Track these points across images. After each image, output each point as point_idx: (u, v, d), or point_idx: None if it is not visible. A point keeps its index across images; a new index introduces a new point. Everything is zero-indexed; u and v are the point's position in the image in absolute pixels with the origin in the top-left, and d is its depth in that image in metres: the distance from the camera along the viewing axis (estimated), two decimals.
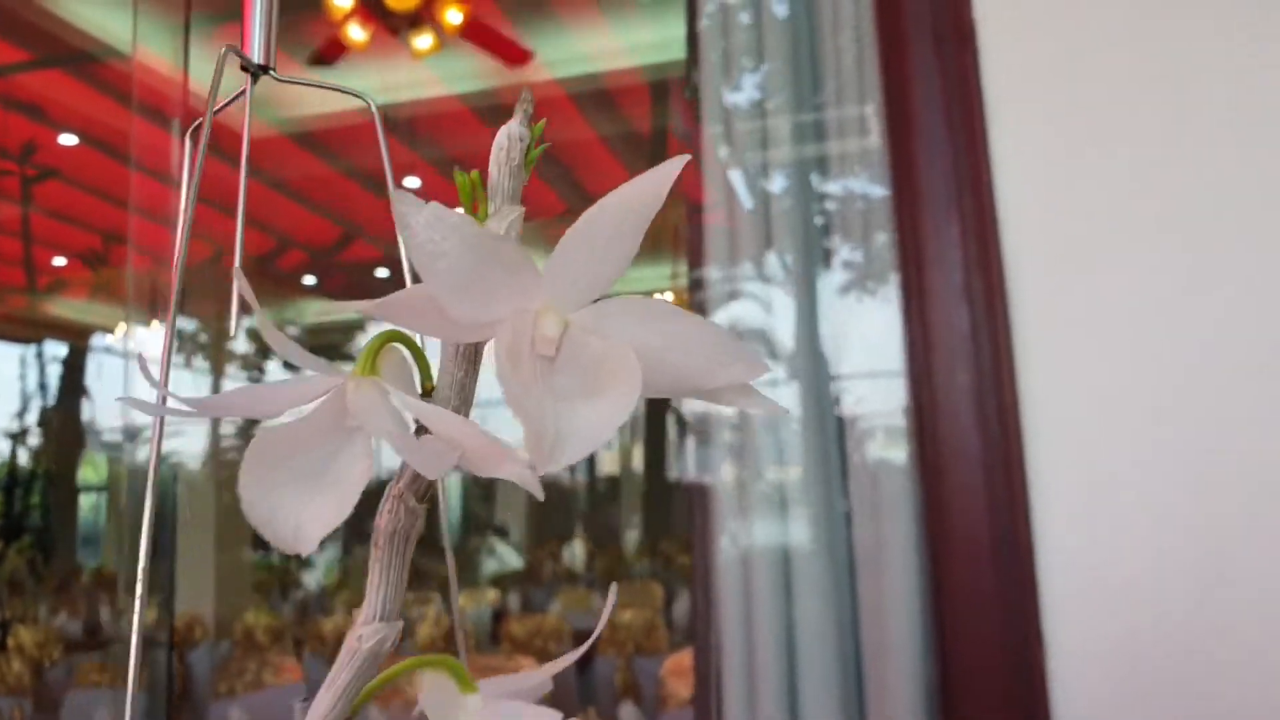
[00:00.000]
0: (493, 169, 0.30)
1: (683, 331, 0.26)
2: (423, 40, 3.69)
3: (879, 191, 1.37)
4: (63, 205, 5.46)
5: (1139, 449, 1.07)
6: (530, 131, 0.30)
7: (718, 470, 1.44)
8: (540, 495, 0.26)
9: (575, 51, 4.31)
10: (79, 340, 7.61)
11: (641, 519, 8.40)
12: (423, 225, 0.24)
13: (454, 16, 3.57)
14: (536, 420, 0.24)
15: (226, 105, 0.46)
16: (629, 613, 5.22)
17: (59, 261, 6.35)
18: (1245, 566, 1.02)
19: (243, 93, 0.45)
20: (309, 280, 6.96)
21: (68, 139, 4.79)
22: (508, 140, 0.30)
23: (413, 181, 5.51)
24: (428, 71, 4.40)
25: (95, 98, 4.34)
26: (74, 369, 7.75)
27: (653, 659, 4.46)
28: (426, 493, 0.28)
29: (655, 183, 0.24)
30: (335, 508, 0.26)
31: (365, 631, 0.29)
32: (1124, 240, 1.09)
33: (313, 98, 4.72)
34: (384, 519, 0.28)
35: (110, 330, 7.02)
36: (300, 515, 0.26)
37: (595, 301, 0.26)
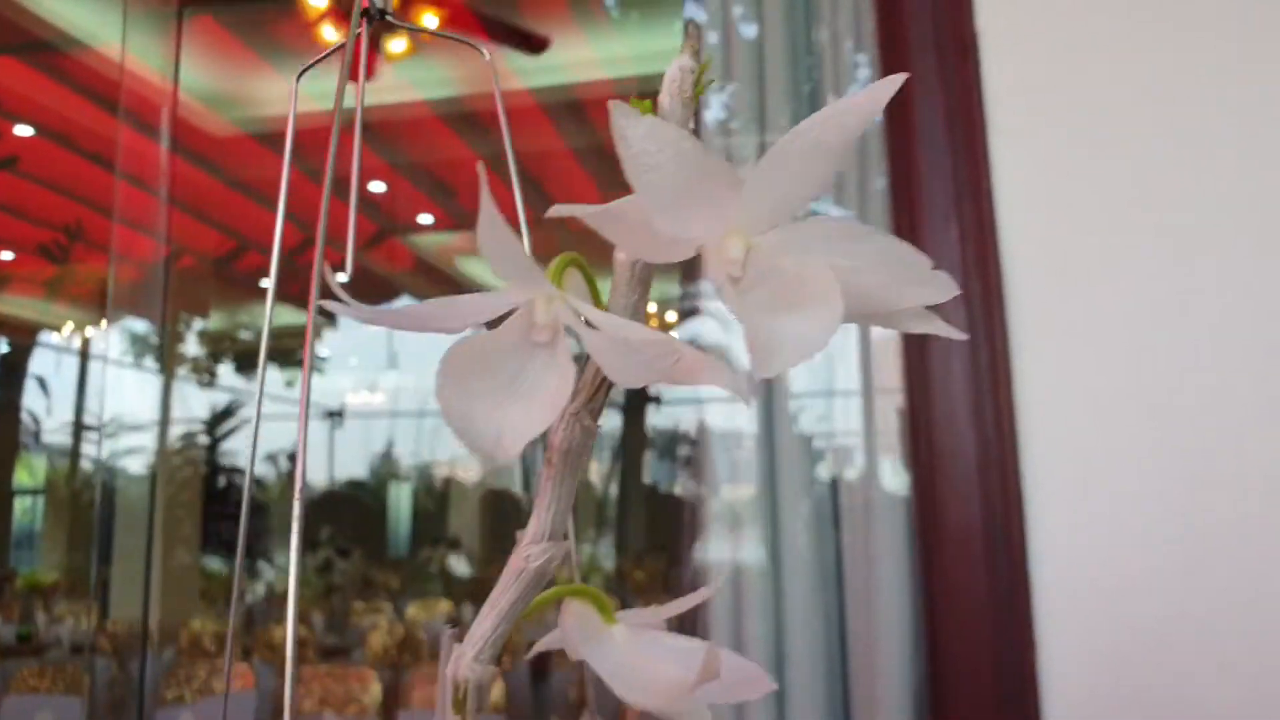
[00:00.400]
0: (664, 99, 0.30)
1: (874, 251, 0.25)
2: (397, 44, 3.66)
3: (837, 214, 1.39)
4: (8, 198, 5.31)
5: (1133, 452, 1.08)
6: (698, 64, 0.29)
7: (706, 482, 1.43)
8: (749, 403, 0.25)
9: (548, 62, 4.31)
10: (20, 338, 7.40)
11: (595, 532, 8.36)
12: (640, 137, 0.24)
13: (430, 20, 3.55)
14: (751, 329, 0.23)
15: (339, 48, 0.44)
16: None
17: (4, 255, 6.17)
18: (1236, 569, 1.03)
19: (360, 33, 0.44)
20: (267, 283, 6.84)
21: (22, 129, 4.67)
22: (679, 73, 0.29)
23: (378, 186, 5.45)
24: (395, 76, 4.36)
25: (47, 86, 4.23)
26: (12, 367, 7.53)
27: None
28: (600, 412, 0.27)
29: (866, 101, 0.23)
30: (532, 419, 0.25)
31: (534, 550, 0.27)
32: (1120, 247, 1.11)
33: (278, 98, 4.64)
34: (558, 436, 0.27)
35: (57, 329, 6.84)
36: (500, 425, 0.25)
37: (792, 222, 0.25)
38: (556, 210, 0.23)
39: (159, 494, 4.68)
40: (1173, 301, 1.09)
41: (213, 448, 7.44)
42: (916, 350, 1.20)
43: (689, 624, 1.37)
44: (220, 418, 7.48)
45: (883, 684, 1.23)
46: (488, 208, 0.24)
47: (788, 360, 0.23)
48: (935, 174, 1.16)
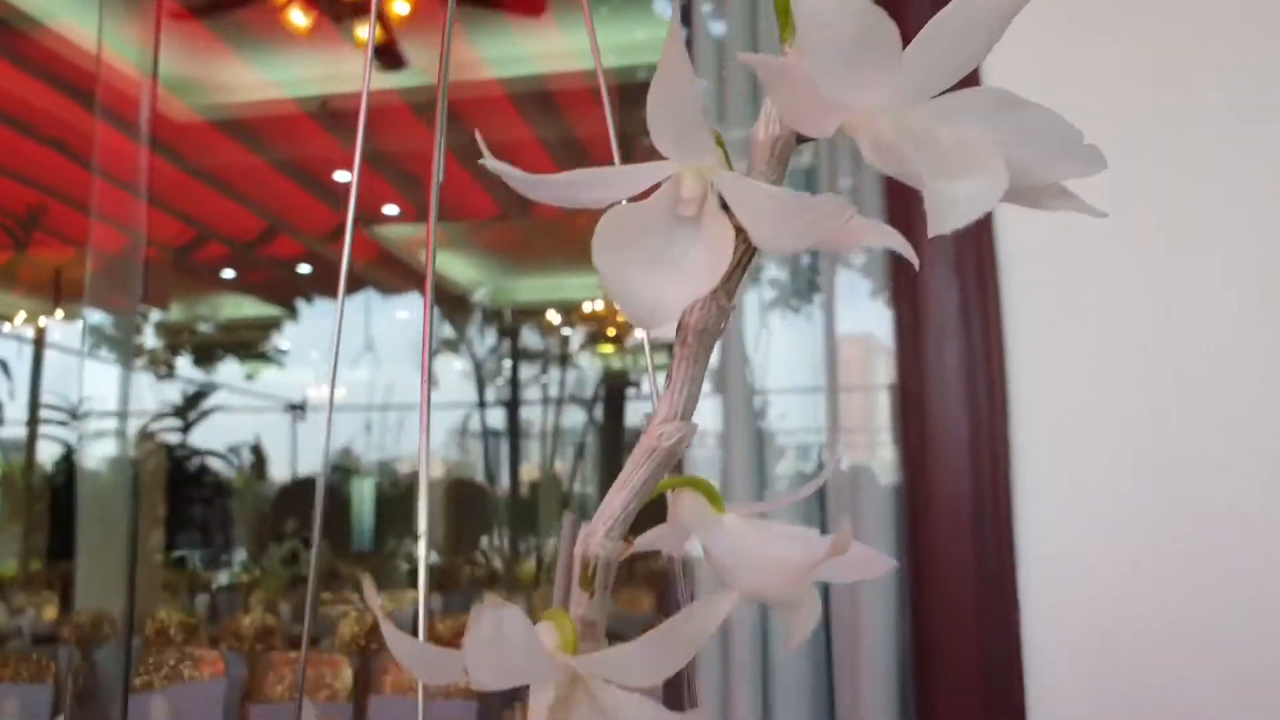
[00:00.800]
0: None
1: (1027, 122, 0.25)
2: (365, 30, 3.61)
3: None
4: None
5: (1124, 437, 1.10)
6: None
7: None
8: (917, 265, 0.25)
9: (518, 52, 4.28)
10: None
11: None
12: None
13: (400, 8, 3.51)
14: (926, 186, 0.24)
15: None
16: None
17: None
18: (1227, 554, 1.06)
19: None
20: (228, 274, 6.74)
21: None
22: None
23: (342, 175, 5.38)
24: (360, 65, 4.30)
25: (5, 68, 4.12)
26: None
27: None
28: (735, 291, 0.27)
29: None
30: (680, 292, 0.25)
31: (666, 429, 0.27)
32: (1115, 230, 1.13)
33: (242, 84, 4.56)
34: (694, 315, 0.27)
35: (9, 319, 6.66)
36: (653, 295, 0.25)
37: (945, 92, 0.25)
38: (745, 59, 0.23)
39: (129, 484, 4.58)
40: (1167, 286, 1.11)
41: (185, 430, 7.30)
42: (906, 328, 1.21)
43: (666, 607, 1.37)
44: (191, 403, 7.35)
45: (867, 669, 1.24)
46: (674, 49, 0.23)
47: (962, 217, 0.24)
48: None
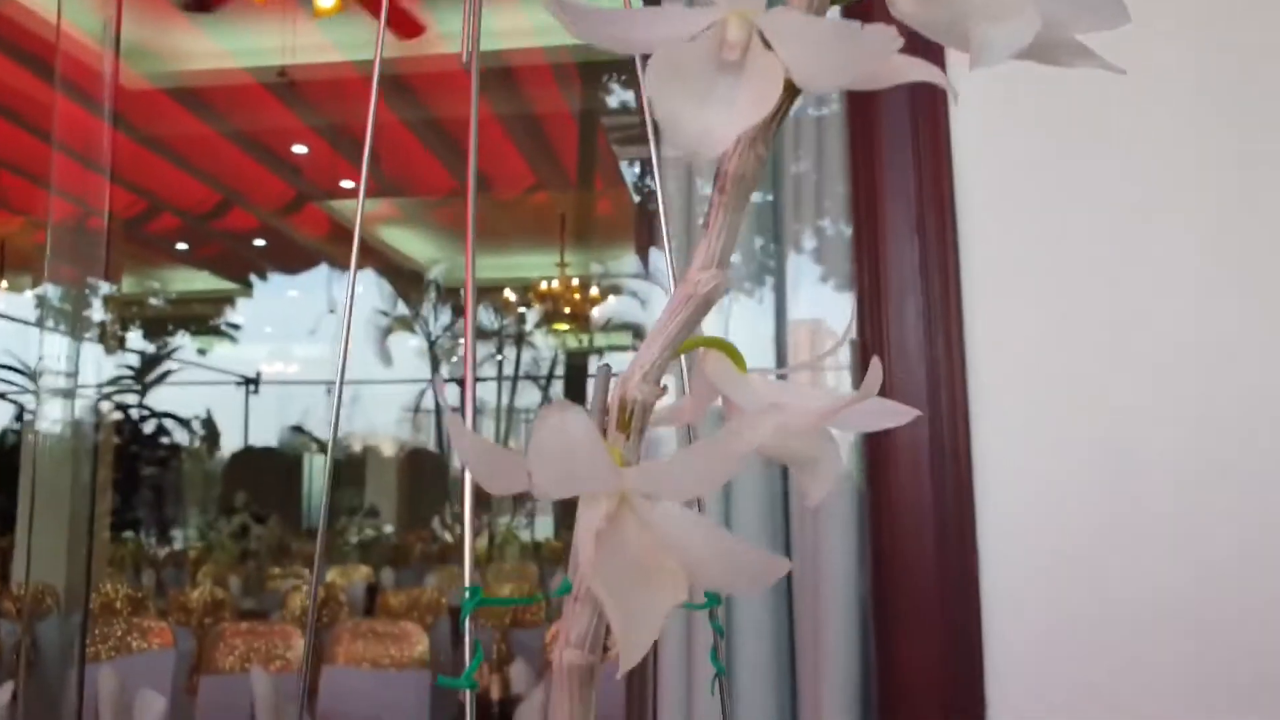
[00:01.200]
0: None
1: None
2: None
3: (759, 197, 1.42)
4: None
5: (1077, 389, 1.13)
6: None
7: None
8: (956, 100, 0.26)
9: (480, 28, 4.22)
10: None
11: (512, 502, 8.32)
12: None
13: None
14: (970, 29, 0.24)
15: None
16: (507, 588, 5.19)
17: None
18: (1171, 504, 1.10)
19: None
20: (181, 247, 6.58)
21: None
22: None
23: (300, 148, 5.28)
24: (320, 35, 4.21)
25: None
26: None
27: (531, 631, 4.45)
28: (772, 141, 0.27)
29: None
30: (734, 121, 0.25)
31: (702, 277, 0.28)
32: (1071, 193, 1.15)
33: (192, 52, 4.44)
34: (732, 163, 0.27)
35: None
36: (703, 125, 0.25)
37: None
38: None
39: (74, 458, 4.47)
40: (1123, 241, 1.14)
41: (141, 394, 7.12)
42: (866, 283, 1.23)
43: None
44: (149, 365, 7.17)
45: (828, 640, 1.25)
46: None
47: (1001, 54, 0.24)
48: (892, 108, 1.19)
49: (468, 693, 0.28)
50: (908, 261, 1.19)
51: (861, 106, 1.24)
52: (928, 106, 1.19)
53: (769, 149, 0.28)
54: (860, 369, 1.25)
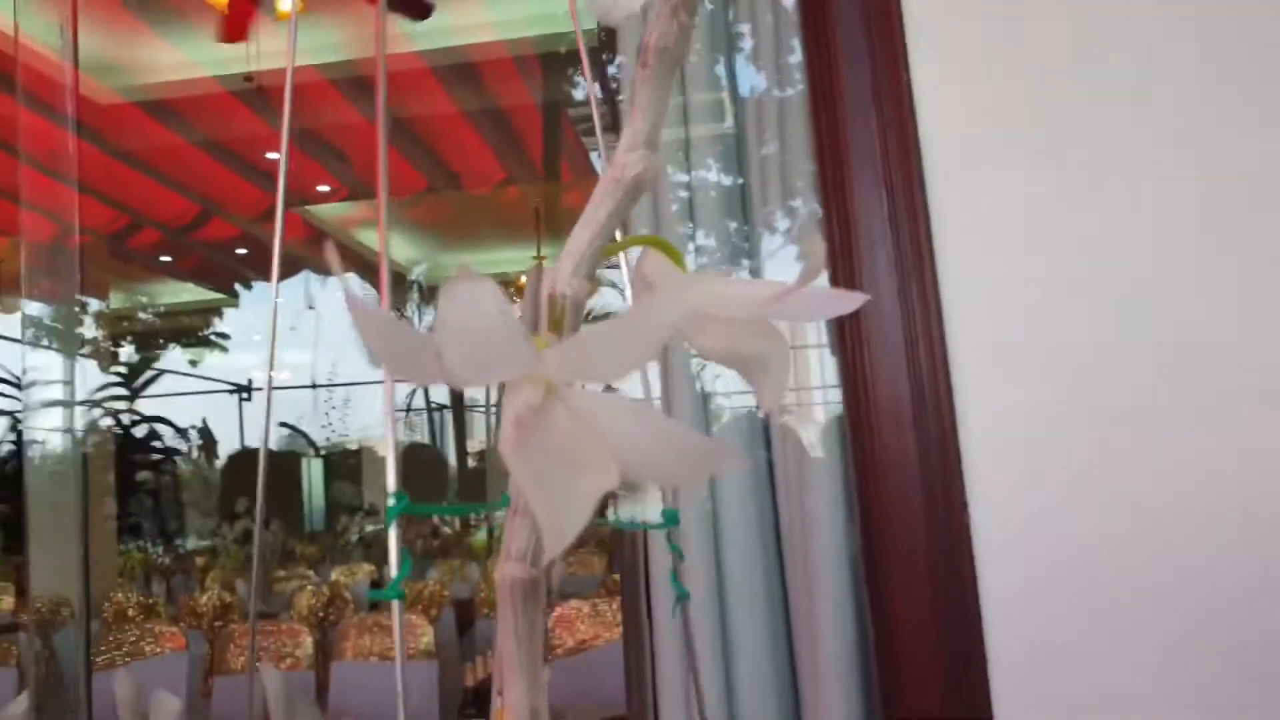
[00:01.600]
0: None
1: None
2: (285, 1, 3.48)
3: (729, 180, 1.40)
4: None
5: (1054, 327, 1.11)
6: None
7: None
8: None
9: (438, 25, 4.17)
10: None
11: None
12: None
13: None
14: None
15: None
16: None
17: None
18: (1154, 441, 1.08)
19: None
20: (165, 259, 6.50)
21: None
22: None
23: (273, 154, 5.21)
24: (284, 41, 4.14)
25: None
26: None
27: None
28: (696, 9, 0.25)
29: None
30: None
31: (629, 159, 0.25)
32: (1042, 129, 1.13)
33: (164, 65, 4.36)
34: (654, 36, 0.25)
35: None
36: None
37: None
38: None
39: (77, 472, 4.42)
40: (1096, 175, 1.11)
41: (131, 399, 7.05)
42: (836, 242, 1.20)
43: (630, 577, 1.36)
44: (136, 371, 7.09)
45: (822, 604, 1.23)
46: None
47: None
48: (853, 63, 1.16)
49: (395, 604, 0.26)
50: (875, 214, 1.17)
51: (821, 62, 1.22)
52: (887, 60, 1.16)
53: (692, 17, 0.25)
54: (843, 349, 1.22)
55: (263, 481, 0.52)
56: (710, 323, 0.28)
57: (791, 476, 1.30)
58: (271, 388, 0.53)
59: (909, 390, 1.14)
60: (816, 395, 1.35)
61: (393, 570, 0.26)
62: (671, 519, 0.33)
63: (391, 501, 0.27)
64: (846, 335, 1.18)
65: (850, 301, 0.28)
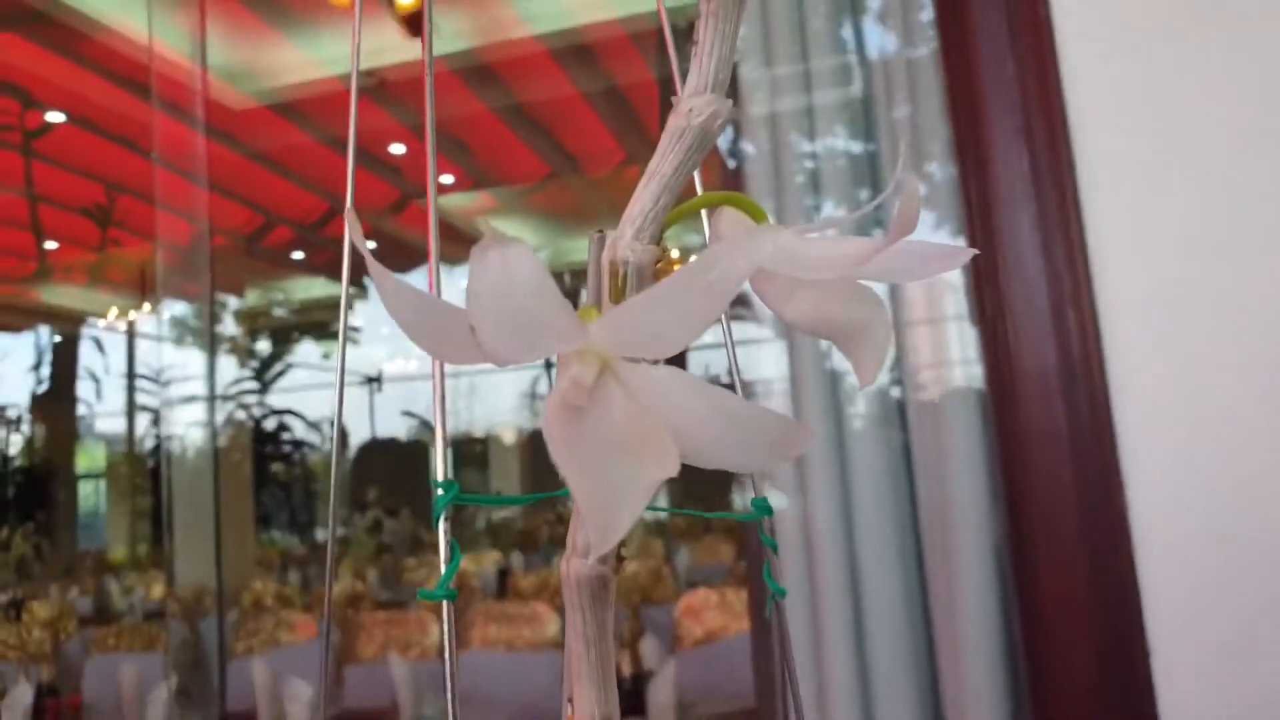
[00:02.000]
0: None
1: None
2: None
3: (859, 147, 1.34)
4: (48, 189, 5.31)
5: (1218, 299, 1.02)
6: None
7: None
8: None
9: (554, 6, 4.21)
10: (69, 327, 7.45)
11: None
12: None
13: None
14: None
15: None
16: (633, 565, 5.22)
17: (49, 245, 6.18)
18: None
19: None
20: (297, 256, 6.83)
21: (53, 116, 4.64)
22: None
23: (398, 148, 5.39)
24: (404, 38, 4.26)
25: (71, 70, 4.19)
26: (65, 358, 7.60)
27: (662, 607, 4.46)
28: None
29: None
30: None
31: (695, 104, 0.23)
32: (1195, 87, 1.04)
33: (291, 66, 4.58)
34: None
35: (102, 315, 6.87)
36: None
37: None
38: None
39: (220, 465, 4.71)
40: (1256, 137, 1.02)
41: (262, 391, 7.47)
42: (975, 209, 1.14)
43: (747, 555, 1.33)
44: (268, 363, 7.51)
45: (963, 589, 1.18)
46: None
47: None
48: (988, 5, 1.10)
49: (445, 604, 0.25)
50: (1015, 167, 1.10)
51: (953, 20, 1.15)
52: (1027, 11, 1.09)
53: None
54: (983, 316, 1.16)
55: (334, 488, 0.52)
56: (796, 287, 0.26)
57: (930, 457, 1.25)
58: (342, 384, 0.54)
59: (1056, 360, 1.07)
60: (957, 369, 1.29)
61: (442, 566, 0.25)
62: (763, 509, 0.31)
63: (440, 492, 0.26)
64: (986, 301, 1.12)
65: (956, 258, 0.25)
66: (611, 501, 0.19)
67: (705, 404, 0.20)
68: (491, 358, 0.19)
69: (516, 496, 0.33)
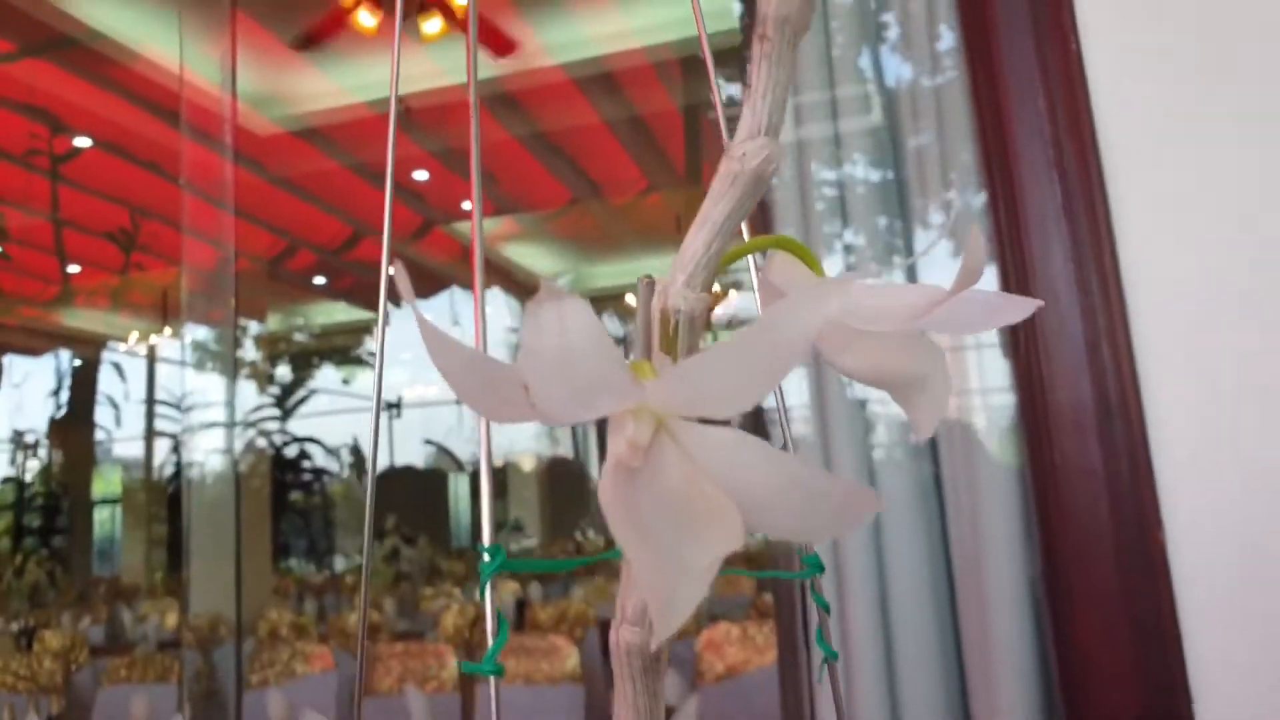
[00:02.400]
0: None
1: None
2: (431, 24, 3.63)
3: (878, 175, 1.35)
4: (73, 213, 5.39)
5: (1255, 321, 1.00)
6: None
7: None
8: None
9: (578, 35, 4.25)
10: (89, 351, 7.52)
11: None
12: None
13: None
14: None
15: None
16: None
17: (72, 269, 6.26)
18: None
19: None
20: (319, 280, 6.89)
21: (81, 141, 4.72)
22: None
23: (421, 174, 5.44)
24: (431, 63, 4.32)
25: (101, 97, 4.26)
26: (84, 382, 7.67)
27: (683, 641, 4.41)
28: None
29: None
30: None
31: (749, 148, 0.22)
32: (1221, 111, 1.03)
33: (317, 93, 4.64)
34: (772, 4, 0.22)
35: (123, 339, 6.93)
36: None
37: None
38: None
39: (240, 493, 4.72)
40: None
41: (283, 419, 7.50)
42: (1004, 231, 1.13)
43: (766, 584, 1.32)
44: (289, 390, 7.55)
45: (997, 629, 1.16)
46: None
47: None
48: (1014, 32, 1.09)
49: (493, 679, 0.24)
50: (1048, 199, 1.09)
51: (979, 34, 1.15)
52: (1053, 26, 1.08)
53: None
54: (1015, 349, 1.15)
55: (369, 518, 0.52)
56: (853, 338, 0.25)
57: (962, 491, 1.23)
58: (379, 402, 0.53)
59: (1091, 394, 1.06)
60: (989, 401, 1.27)
61: (489, 638, 0.24)
62: (815, 566, 0.30)
63: (486, 558, 0.25)
64: (1020, 334, 1.11)
65: (1022, 309, 0.24)
66: (673, 579, 0.18)
67: (768, 468, 0.19)
68: (544, 417, 0.18)
69: (563, 561, 0.32)
